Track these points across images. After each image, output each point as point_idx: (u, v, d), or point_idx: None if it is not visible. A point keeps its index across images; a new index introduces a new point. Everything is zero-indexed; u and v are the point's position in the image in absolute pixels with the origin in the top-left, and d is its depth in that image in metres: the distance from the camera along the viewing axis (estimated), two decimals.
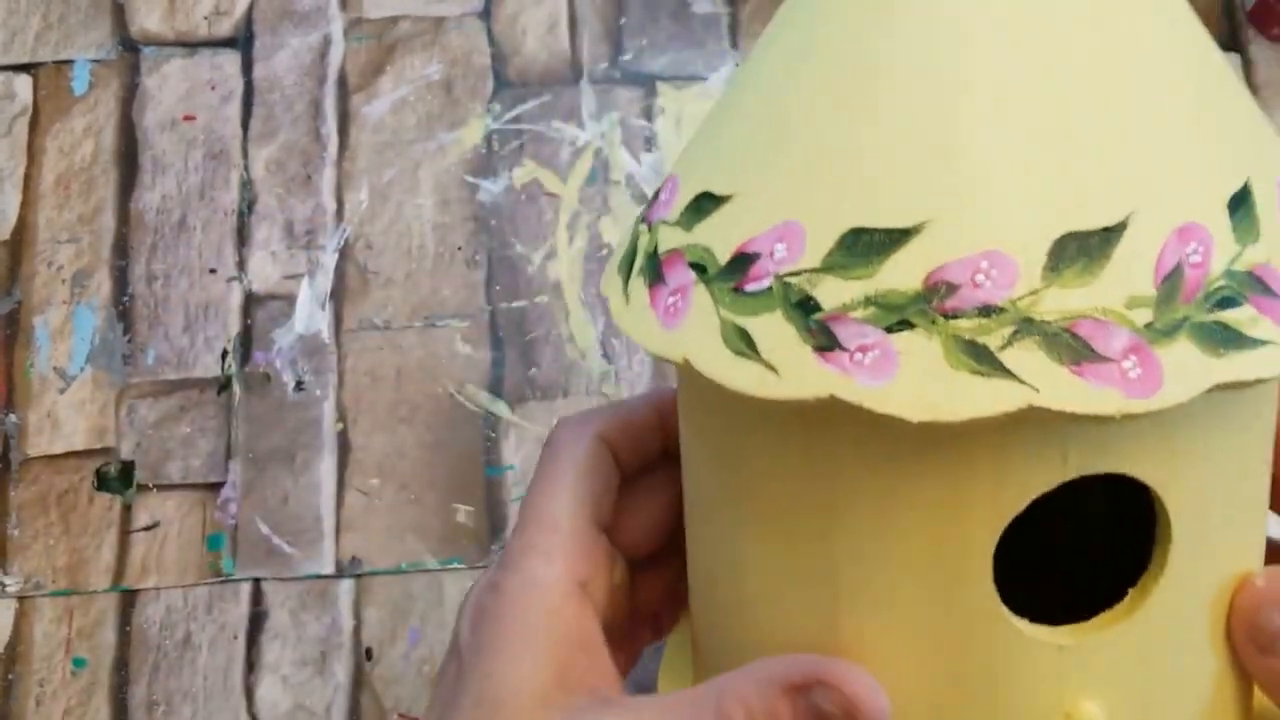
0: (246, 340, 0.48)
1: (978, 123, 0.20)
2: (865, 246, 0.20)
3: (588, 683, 0.24)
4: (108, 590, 0.46)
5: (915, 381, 0.19)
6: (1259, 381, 0.20)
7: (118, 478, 0.47)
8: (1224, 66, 0.23)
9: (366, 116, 0.50)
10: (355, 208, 0.50)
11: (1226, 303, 0.20)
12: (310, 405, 0.47)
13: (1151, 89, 0.21)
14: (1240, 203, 0.21)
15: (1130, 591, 0.23)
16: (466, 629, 0.25)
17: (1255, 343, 0.20)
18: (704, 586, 0.27)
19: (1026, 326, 0.19)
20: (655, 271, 0.23)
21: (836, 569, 0.22)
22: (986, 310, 0.19)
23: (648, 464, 0.29)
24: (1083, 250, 0.20)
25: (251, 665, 0.45)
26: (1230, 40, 0.50)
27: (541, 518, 0.26)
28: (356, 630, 0.45)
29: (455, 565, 0.46)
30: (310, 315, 0.48)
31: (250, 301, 0.49)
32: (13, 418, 0.47)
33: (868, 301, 0.20)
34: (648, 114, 0.50)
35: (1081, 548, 0.31)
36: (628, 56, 0.51)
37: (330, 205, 0.50)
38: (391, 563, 0.46)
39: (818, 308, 0.20)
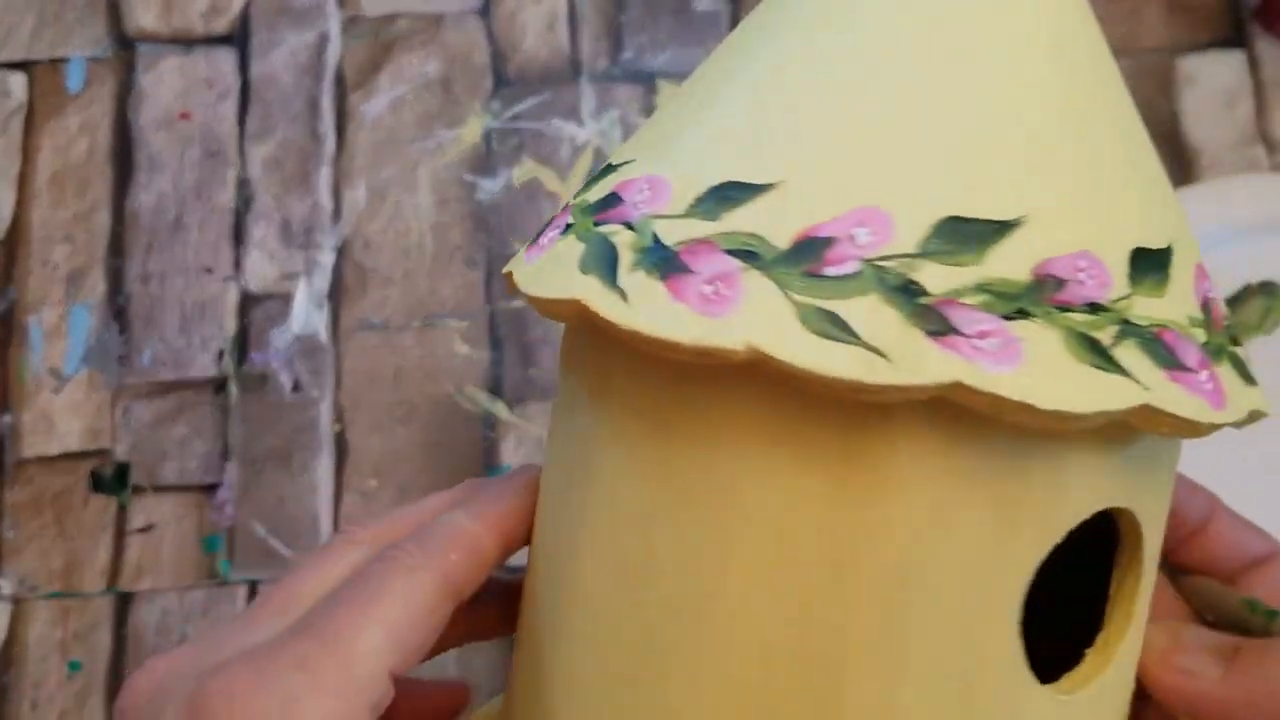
0: (243, 340, 0.48)
1: (1087, 121, 0.20)
2: (966, 235, 0.19)
3: None
4: (103, 593, 0.45)
5: (1041, 370, 0.18)
6: (1262, 416, 0.21)
7: (113, 479, 0.46)
8: None
9: (364, 114, 0.50)
10: (353, 206, 0.49)
11: (1233, 341, 0.21)
12: (307, 406, 0.47)
13: (1143, 149, 0.23)
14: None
15: (1100, 636, 0.23)
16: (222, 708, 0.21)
17: (1255, 381, 0.21)
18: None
19: (1127, 328, 0.19)
20: (669, 263, 0.20)
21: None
22: (1094, 307, 0.19)
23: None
24: (1151, 265, 0.20)
25: None
26: (1234, 38, 0.50)
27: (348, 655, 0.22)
28: None
29: None
30: (307, 315, 0.48)
31: (247, 301, 0.48)
32: (7, 419, 0.47)
33: (980, 289, 0.19)
34: (648, 111, 0.50)
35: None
36: (628, 54, 0.51)
37: (328, 204, 0.49)
38: None
39: (923, 292, 0.19)
